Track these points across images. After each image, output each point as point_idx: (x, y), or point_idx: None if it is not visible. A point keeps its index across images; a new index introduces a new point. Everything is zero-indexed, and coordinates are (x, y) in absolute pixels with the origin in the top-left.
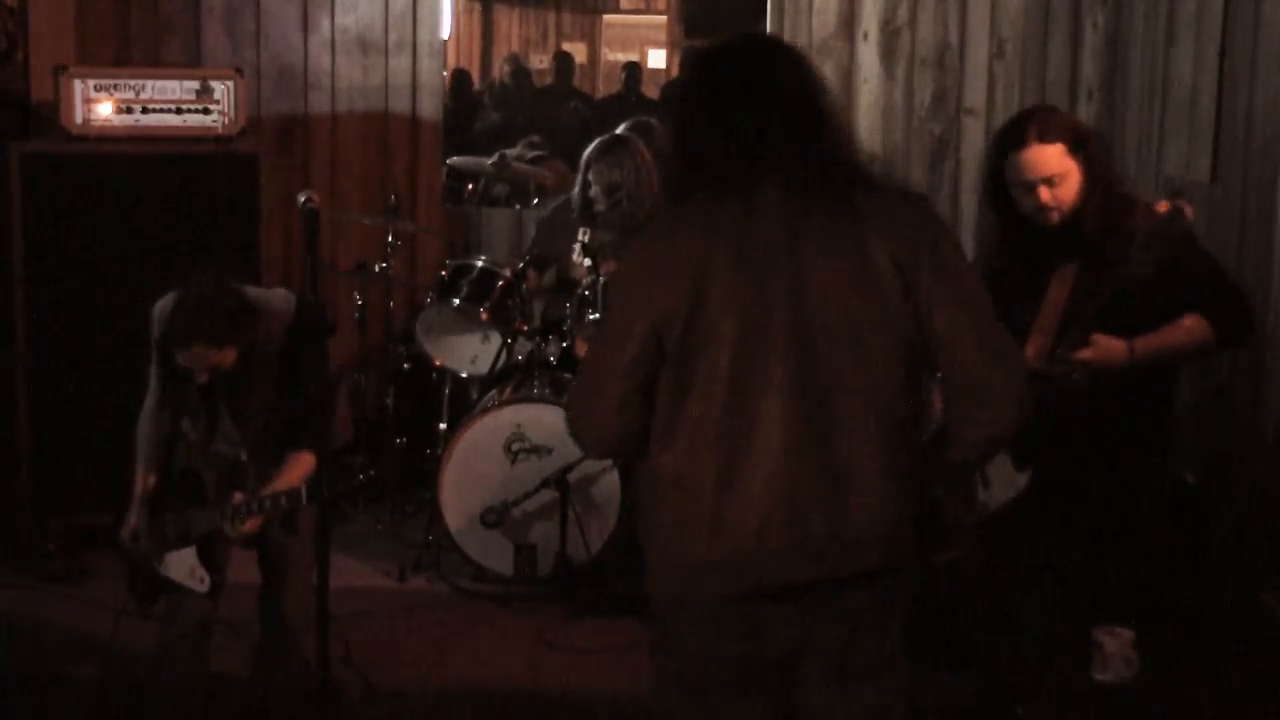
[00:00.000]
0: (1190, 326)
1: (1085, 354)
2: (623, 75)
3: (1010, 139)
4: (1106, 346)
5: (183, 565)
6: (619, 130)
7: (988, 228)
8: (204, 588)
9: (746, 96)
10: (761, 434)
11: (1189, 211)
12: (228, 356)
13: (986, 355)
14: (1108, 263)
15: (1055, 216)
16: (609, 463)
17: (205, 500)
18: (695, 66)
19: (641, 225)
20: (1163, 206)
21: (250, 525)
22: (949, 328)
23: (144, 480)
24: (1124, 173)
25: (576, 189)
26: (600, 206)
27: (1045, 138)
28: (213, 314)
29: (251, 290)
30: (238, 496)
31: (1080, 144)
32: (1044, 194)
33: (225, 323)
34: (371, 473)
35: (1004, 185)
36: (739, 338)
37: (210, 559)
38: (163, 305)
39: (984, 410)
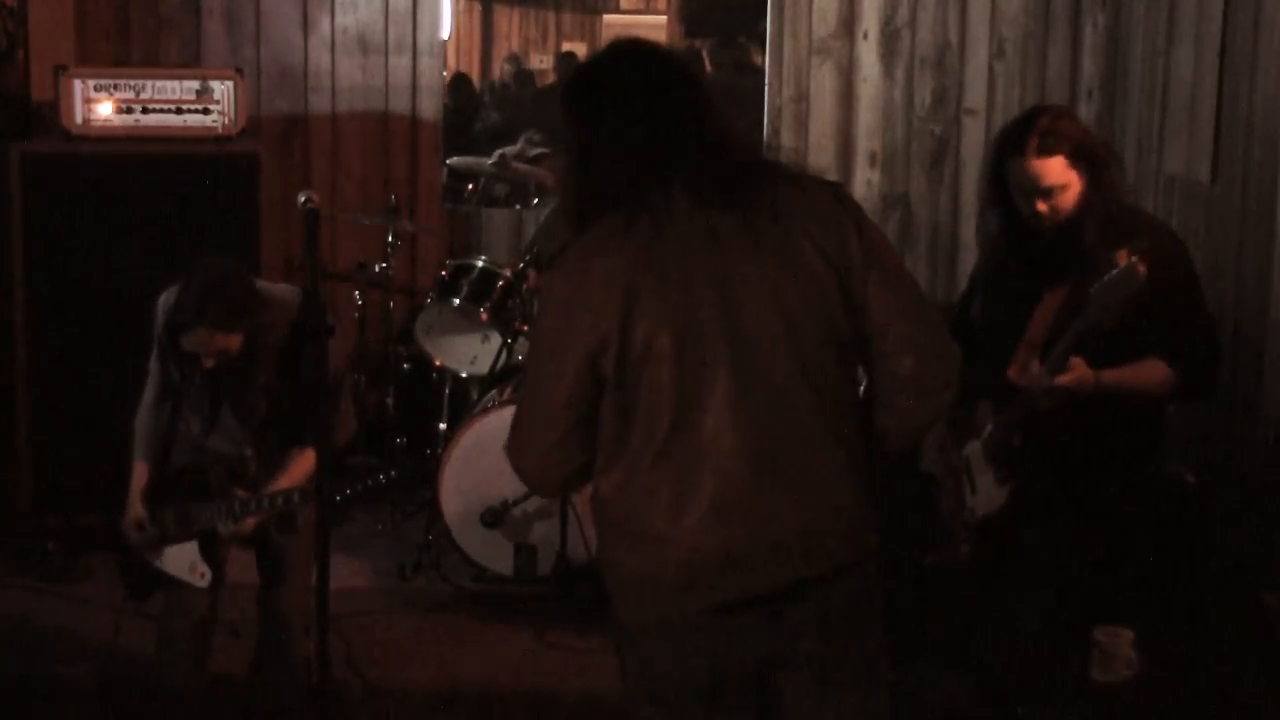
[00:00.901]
0: (1156, 373)
1: (1064, 379)
2: None
3: (1011, 145)
4: (1077, 374)
5: (183, 560)
6: None
7: (990, 222)
8: (204, 583)
9: (631, 108)
10: (713, 443)
11: (1141, 270)
12: (233, 341)
13: (923, 345)
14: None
15: (1049, 223)
16: None
17: (207, 495)
18: (573, 87)
19: (551, 258)
20: (1121, 258)
21: (250, 523)
22: (884, 316)
23: (141, 473)
24: (1125, 176)
25: None
26: None
27: (1045, 150)
28: (220, 296)
29: (258, 281)
30: (241, 493)
31: (1084, 154)
32: (1039, 204)
33: (232, 306)
34: (393, 473)
35: (1005, 185)
36: (677, 352)
37: (211, 554)
38: (167, 296)
39: (918, 401)
